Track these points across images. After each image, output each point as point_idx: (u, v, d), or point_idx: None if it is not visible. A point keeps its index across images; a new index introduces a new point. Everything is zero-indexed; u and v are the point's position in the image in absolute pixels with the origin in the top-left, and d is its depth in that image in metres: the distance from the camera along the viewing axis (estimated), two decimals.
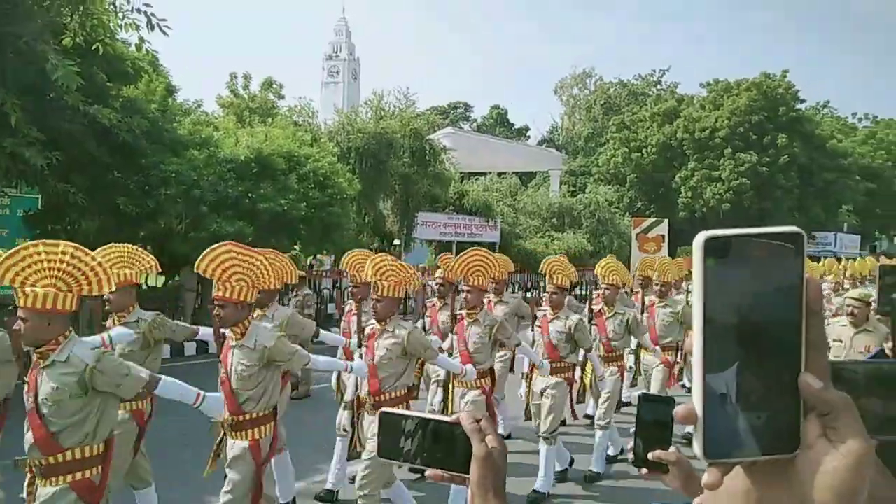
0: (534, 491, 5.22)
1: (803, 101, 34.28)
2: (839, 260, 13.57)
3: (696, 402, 0.50)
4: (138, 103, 11.28)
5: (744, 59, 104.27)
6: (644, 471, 1.07)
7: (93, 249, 4.10)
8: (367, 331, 4.42)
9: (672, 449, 1.08)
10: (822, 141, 33.47)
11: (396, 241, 18.41)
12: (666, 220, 26.08)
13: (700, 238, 0.49)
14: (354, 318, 5.45)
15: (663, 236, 25.36)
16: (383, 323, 4.25)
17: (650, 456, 1.06)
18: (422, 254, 20.29)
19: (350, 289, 5.79)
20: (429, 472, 0.92)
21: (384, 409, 0.96)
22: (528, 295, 18.78)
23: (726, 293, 0.49)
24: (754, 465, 0.51)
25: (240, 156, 12.05)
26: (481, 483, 0.87)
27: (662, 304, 6.85)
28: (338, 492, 5.01)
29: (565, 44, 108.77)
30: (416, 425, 0.91)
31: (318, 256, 16.97)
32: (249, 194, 11.83)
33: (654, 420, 1.08)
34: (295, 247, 13.66)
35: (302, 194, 12.35)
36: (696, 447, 0.51)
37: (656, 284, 7.00)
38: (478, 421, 0.89)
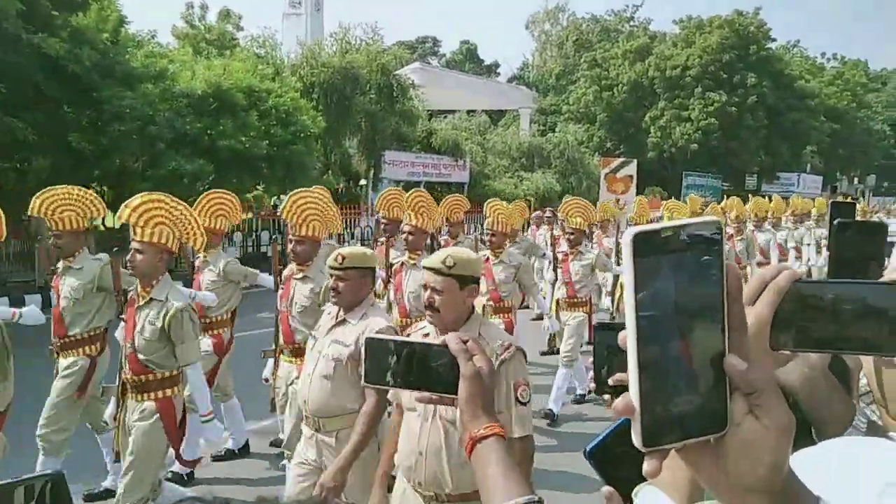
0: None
1: (774, 39, 34.19)
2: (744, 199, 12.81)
3: (633, 394, 0.52)
4: (88, 33, 10.68)
5: None
6: (606, 396, 1.09)
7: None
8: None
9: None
10: (790, 81, 33.57)
11: (363, 181, 18.14)
12: (635, 161, 26.11)
13: (628, 234, 0.52)
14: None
15: (632, 177, 25.43)
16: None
17: (610, 381, 1.07)
18: None
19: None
20: (417, 394, 0.94)
21: (370, 335, 0.96)
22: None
23: (656, 285, 0.51)
24: (685, 446, 0.54)
25: (197, 90, 11.60)
26: (470, 401, 0.90)
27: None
28: None
29: None
30: (402, 350, 0.92)
31: (282, 196, 16.66)
32: (209, 131, 11.46)
33: (610, 346, 1.08)
34: (258, 187, 13.38)
35: (263, 132, 12.01)
36: (635, 438, 0.53)
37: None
38: (465, 342, 0.92)
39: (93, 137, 10.54)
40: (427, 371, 0.92)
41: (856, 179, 43.58)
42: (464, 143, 22.25)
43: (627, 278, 0.52)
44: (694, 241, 0.52)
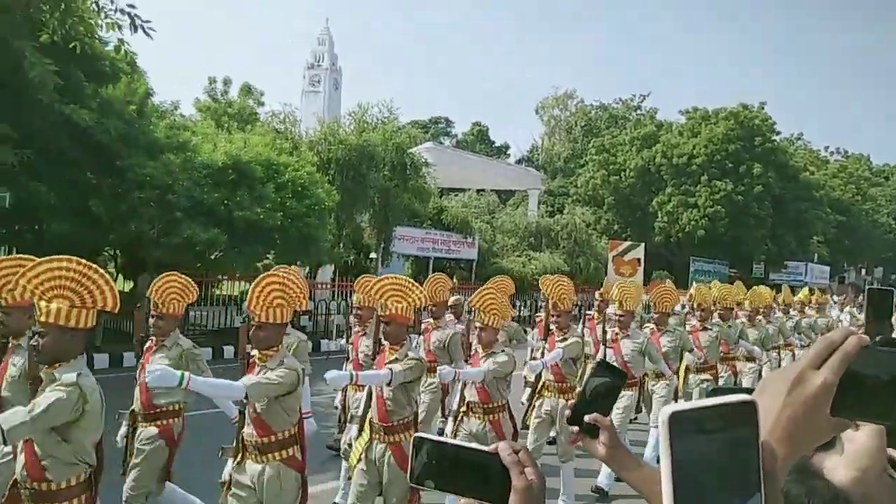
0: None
1: (779, 132, 35.05)
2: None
3: None
4: (116, 105, 11.06)
5: (722, 89, 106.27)
6: (575, 429, 1.12)
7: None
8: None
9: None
10: (795, 172, 34.19)
11: (373, 255, 18.26)
12: (642, 245, 26.32)
13: (665, 413, 0.52)
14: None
15: (639, 260, 25.56)
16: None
17: (587, 418, 1.10)
18: (398, 268, 20.18)
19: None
20: (463, 501, 0.92)
21: (418, 434, 0.94)
22: None
23: (693, 461, 0.52)
24: None
25: (217, 162, 11.87)
26: None
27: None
28: None
29: (546, 65, 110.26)
30: (451, 452, 0.89)
31: (293, 268, 16.69)
32: (225, 201, 11.65)
33: (601, 386, 1.13)
34: (268, 256, 13.47)
35: (279, 203, 12.19)
36: None
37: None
38: (516, 452, 0.88)
39: (112, 204, 10.73)
40: (474, 478, 0.88)
41: (863, 271, 43.59)
42: (473, 221, 22.53)
43: (665, 457, 0.52)
44: (729, 419, 0.53)
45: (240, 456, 3.58)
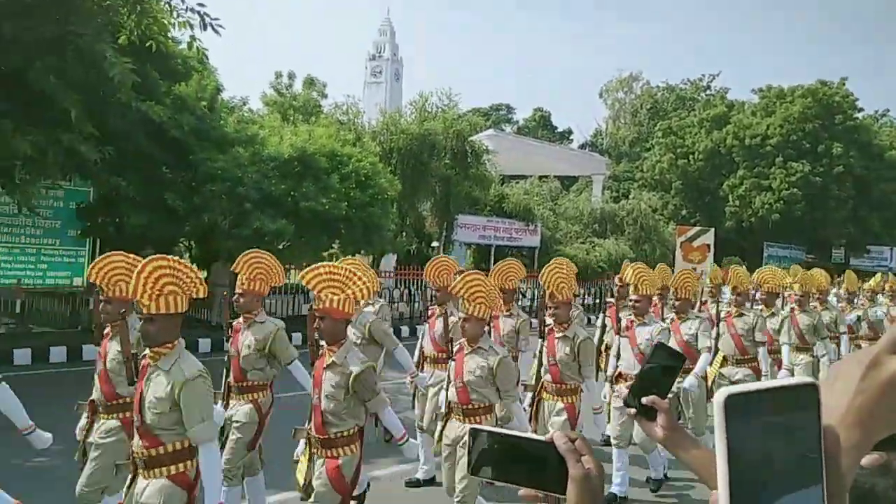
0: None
1: (861, 109, 33.08)
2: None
3: None
4: (188, 101, 11.53)
5: (798, 67, 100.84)
6: (632, 410, 1.12)
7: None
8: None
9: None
10: (880, 151, 32.24)
11: (435, 243, 18.40)
12: (712, 230, 25.45)
13: (720, 396, 0.51)
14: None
15: (709, 245, 24.76)
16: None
17: (644, 399, 1.09)
18: (460, 256, 20.25)
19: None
20: (522, 491, 0.91)
21: (474, 425, 0.95)
22: None
23: (749, 447, 0.51)
24: None
25: (283, 154, 12.20)
26: None
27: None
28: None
29: (611, 47, 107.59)
30: (507, 443, 0.90)
31: (357, 256, 17.03)
32: (292, 193, 11.97)
33: (660, 368, 1.12)
34: (333, 245, 13.77)
35: (343, 194, 12.43)
36: None
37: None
38: (572, 441, 0.88)
39: (186, 196, 11.20)
40: (532, 468, 0.89)
41: None
42: (535, 207, 22.34)
43: (720, 441, 0.51)
44: (788, 402, 0.51)
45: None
